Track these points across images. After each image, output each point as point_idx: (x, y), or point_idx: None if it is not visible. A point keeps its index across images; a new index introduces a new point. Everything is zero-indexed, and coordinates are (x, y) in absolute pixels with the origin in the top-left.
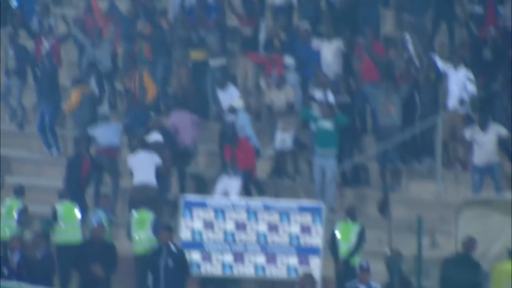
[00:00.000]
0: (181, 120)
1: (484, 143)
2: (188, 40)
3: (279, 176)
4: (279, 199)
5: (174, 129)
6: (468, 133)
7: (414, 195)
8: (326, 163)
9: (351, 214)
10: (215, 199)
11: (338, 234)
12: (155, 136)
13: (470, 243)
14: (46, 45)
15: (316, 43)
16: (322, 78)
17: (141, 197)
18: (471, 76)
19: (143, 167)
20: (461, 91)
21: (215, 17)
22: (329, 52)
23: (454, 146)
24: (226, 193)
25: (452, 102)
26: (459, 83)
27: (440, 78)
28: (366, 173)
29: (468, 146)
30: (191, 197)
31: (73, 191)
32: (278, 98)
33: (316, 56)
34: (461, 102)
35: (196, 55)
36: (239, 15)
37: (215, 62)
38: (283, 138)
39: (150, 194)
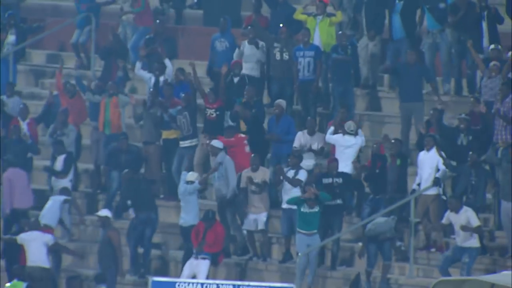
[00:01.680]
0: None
1: (458, 225)
2: (160, 119)
3: (250, 257)
4: (249, 281)
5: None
6: (446, 216)
7: (389, 276)
8: (310, 242)
9: None
10: (183, 280)
11: None
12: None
13: None
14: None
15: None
16: (294, 158)
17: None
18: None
19: (34, 247)
20: (433, 172)
21: (184, 96)
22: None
23: (426, 227)
24: (193, 276)
25: (424, 183)
26: (432, 164)
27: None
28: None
29: (441, 228)
30: (159, 278)
31: None
32: (255, 177)
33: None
34: (436, 183)
35: (167, 134)
36: (205, 94)
37: (185, 143)
38: (255, 219)
39: (43, 275)
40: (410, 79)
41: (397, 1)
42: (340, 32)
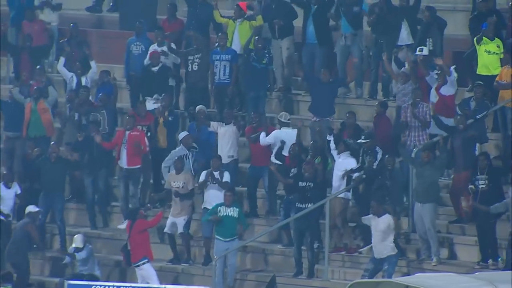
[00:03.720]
0: None
1: (377, 230)
2: (78, 122)
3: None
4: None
5: None
6: (367, 218)
7: (304, 279)
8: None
9: None
10: (99, 283)
11: None
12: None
13: None
14: None
15: (213, 125)
16: (216, 162)
17: None
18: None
19: None
20: (343, 176)
21: (101, 96)
22: (224, 135)
23: (340, 230)
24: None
25: (337, 186)
26: (342, 168)
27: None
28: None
29: (350, 230)
30: (74, 282)
31: None
32: (176, 182)
33: (212, 139)
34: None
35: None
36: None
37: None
38: (174, 222)
39: None
40: (322, 96)
41: (312, 5)
42: (256, 37)
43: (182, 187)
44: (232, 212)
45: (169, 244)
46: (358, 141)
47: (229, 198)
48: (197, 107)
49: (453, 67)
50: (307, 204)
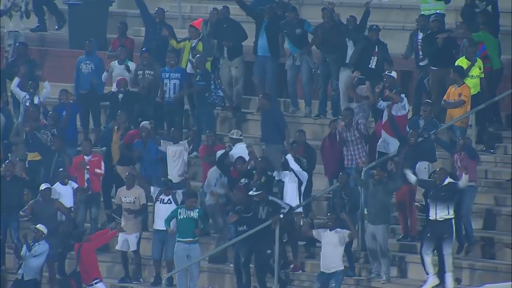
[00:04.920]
0: None
1: (328, 243)
2: (26, 141)
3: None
4: None
5: None
6: (317, 233)
7: None
8: (190, 252)
9: None
10: None
11: None
12: None
13: None
14: None
15: (163, 145)
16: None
17: None
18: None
19: None
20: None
21: (51, 114)
22: (174, 154)
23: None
24: None
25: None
26: (292, 186)
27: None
28: None
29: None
30: None
31: None
32: (127, 197)
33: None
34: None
35: (32, 156)
36: None
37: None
38: (126, 239)
39: None
40: (264, 124)
41: (265, 19)
42: (198, 55)
43: (134, 202)
44: (193, 213)
45: (121, 262)
46: (250, 193)
47: (192, 204)
48: (142, 123)
49: (403, 95)
50: (243, 227)
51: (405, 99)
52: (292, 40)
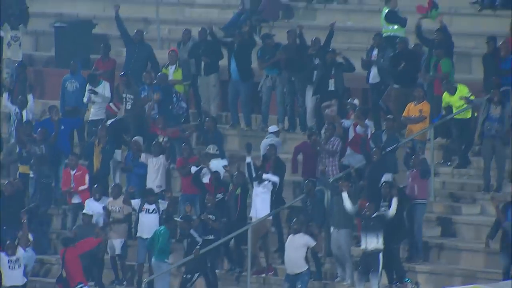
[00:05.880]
0: None
1: (291, 247)
2: (19, 155)
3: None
4: None
5: None
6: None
7: None
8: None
9: None
10: None
11: None
12: None
13: None
14: None
15: (143, 157)
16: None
17: None
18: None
19: None
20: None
21: (40, 130)
22: (154, 166)
23: (262, 253)
24: None
25: (259, 212)
26: (263, 196)
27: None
28: None
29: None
30: None
31: None
32: (114, 207)
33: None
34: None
35: (23, 169)
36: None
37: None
38: (112, 244)
39: None
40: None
41: (235, 44)
42: (159, 73)
43: (119, 211)
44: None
45: (111, 265)
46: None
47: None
48: (134, 138)
49: (371, 122)
50: (208, 236)
51: (370, 123)
52: (273, 63)
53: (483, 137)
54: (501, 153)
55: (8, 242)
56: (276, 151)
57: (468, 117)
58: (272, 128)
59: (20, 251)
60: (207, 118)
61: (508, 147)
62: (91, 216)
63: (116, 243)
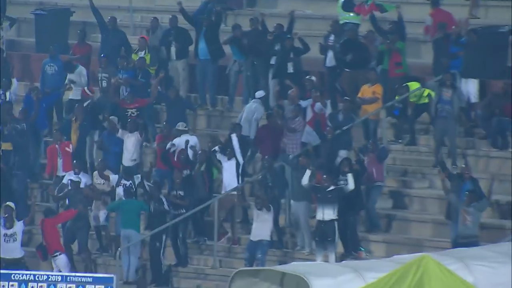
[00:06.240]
0: None
1: (257, 219)
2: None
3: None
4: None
5: None
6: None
7: (196, 267)
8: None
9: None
10: (18, 272)
11: None
12: None
13: None
14: None
15: (120, 133)
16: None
17: None
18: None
19: None
20: (235, 177)
21: (22, 109)
22: (130, 141)
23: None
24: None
25: (227, 185)
26: (232, 171)
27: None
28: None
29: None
30: None
31: None
32: (99, 179)
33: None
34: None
35: (6, 146)
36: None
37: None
38: (96, 215)
39: None
40: (174, 112)
41: (203, 26)
42: (138, 58)
43: (104, 183)
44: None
45: (96, 235)
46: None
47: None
48: (110, 117)
49: (328, 101)
50: (179, 211)
51: (328, 101)
52: (240, 49)
53: (436, 118)
54: (453, 132)
55: (6, 215)
56: (241, 130)
57: (425, 101)
58: (259, 93)
59: (17, 225)
60: (171, 88)
61: (458, 127)
62: (79, 182)
63: (101, 214)
